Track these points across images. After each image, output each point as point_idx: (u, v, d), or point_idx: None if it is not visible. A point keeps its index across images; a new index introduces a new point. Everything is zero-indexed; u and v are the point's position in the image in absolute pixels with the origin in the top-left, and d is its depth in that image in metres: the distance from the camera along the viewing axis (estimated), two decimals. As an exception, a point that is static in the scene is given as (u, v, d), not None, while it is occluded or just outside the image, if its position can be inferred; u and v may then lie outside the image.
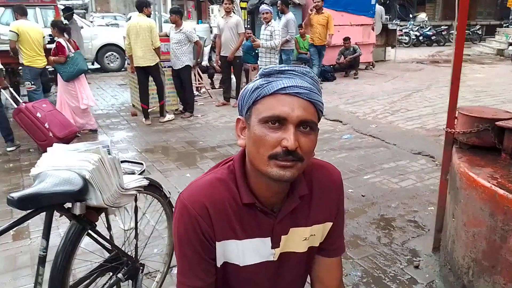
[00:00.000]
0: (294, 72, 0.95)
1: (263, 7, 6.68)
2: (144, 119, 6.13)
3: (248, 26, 10.75)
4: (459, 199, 2.10)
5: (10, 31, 5.63)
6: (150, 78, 6.10)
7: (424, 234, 2.92)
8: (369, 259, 2.63)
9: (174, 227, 1.04)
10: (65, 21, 7.64)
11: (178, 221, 1.02)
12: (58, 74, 5.53)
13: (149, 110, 6.57)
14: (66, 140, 4.66)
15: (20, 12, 5.87)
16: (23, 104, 4.68)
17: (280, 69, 0.95)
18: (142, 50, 5.76)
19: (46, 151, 1.73)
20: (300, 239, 1.10)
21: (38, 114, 4.57)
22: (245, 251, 1.05)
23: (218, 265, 1.06)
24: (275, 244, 1.07)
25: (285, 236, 1.07)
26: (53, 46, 5.54)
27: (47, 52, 5.82)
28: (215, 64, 8.18)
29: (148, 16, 5.99)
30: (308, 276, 1.22)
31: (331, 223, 1.14)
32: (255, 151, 0.94)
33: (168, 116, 6.21)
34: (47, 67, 6.16)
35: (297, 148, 0.91)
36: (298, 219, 1.08)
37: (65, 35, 5.58)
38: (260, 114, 0.93)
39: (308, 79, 0.96)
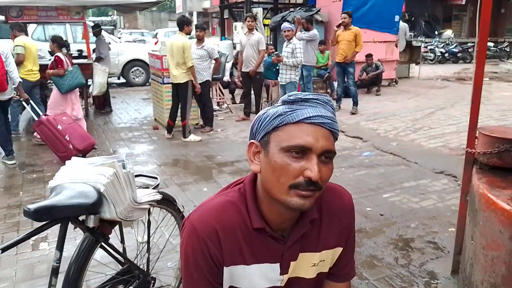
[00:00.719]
0: (317, 101, 0.94)
1: (285, 25, 6.73)
2: (166, 132, 6.22)
3: (271, 42, 10.86)
4: (478, 221, 2.04)
5: (17, 45, 5.92)
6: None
7: (444, 256, 2.84)
8: (385, 280, 2.57)
9: (181, 247, 1.03)
10: (94, 37, 7.90)
11: (186, 242, 1.00)
12: (55, 87, 5.76)
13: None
14: (85, 152, 4.80)
15: (19, 29, 6.21)
16: (44, 116, 4.87)
17: (305, 97, 0.94)
18: (175, 68, 5.89)
19: (64, 164, 1.78)
20: (309, 264, 1.07)
21: (59, 127, 4.73)
22: (253, 276, 1.03)
23: None
24: (284, 270, 1.05)
25: (294, 262, 1.05)
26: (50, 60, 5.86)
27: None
28: (236, 80, 8.28)
29: (188, 34, 6.11)
30: None
31: (342, 248, 1.11)
32: (275, 179, 0.92)
33: (191, 137, 6.09)
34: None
35: (319, 179, 0.91)
36: (307, 244, 1.06)
37: (63, 50, 5.84)
38: (283, 143, 0.91)
39: (330, 108, 0.95)
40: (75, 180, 1.66)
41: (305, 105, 0.92)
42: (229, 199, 1.03)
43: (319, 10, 9.70)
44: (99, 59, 7.76)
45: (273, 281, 1.05)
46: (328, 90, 9.29)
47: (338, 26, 7.59)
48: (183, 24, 5.93)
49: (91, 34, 7.92)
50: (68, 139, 4.69)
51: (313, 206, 0.99)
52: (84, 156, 4.50)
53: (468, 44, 17.17)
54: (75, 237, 2.91)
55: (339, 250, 1.11)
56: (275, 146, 0.92)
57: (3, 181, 4.40)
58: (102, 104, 8.26)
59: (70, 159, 1.79)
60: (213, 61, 6.55)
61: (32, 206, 1.46)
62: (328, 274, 1.13)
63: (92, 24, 8.72)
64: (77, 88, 5.90)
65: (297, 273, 1.07)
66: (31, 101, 5.18)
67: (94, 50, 7.93)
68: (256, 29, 7.41)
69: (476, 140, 2.33)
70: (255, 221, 0.99)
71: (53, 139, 4.72)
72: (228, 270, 1.02)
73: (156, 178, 2.02)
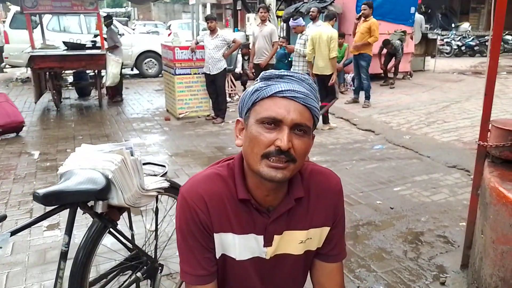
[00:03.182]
0: (292, 78, 1.00)
1: (291, 23, 6.67)
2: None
3: (284, 35, 10.79)
4: (489, 215, 2.01)
5: None
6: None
7: (453, 250, 2.81)
8: (393, 273, 2.55)
9: (176, 219, 1.09)
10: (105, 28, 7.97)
11: (179, 213, 1.08)
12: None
13: (181, 115, 6.72)
14: (8, 128, 5.64)
15: None
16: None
17: (280, 73, 1.00)
18: (321, 59, 5.98)
19: None
20: (296, 241, 1.13)
21: None
22: (240, 245, 1.09)
23: (217, 256, 1.10)
24: (267, 243, 1.10)
25: (278, 236, 1.10)
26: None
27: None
28: (248, 71, 8.26)
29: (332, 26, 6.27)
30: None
31: (329, 228, 1.16)
32: (250, 150, 0.99)
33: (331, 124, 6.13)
34: (87, 71, 6.44)
35: (290, 149, 0.95)
36: (295, 222, 1.11)
37: None
38: (258, 115, 0.98)
39: (306, 85, 1.00)
40: (84, 167, 1.68)
41: (280, 81, 0.99)
42: (217, 171, 1.10)
43: (333, 1, 9.57)
44: (114, 48, 7.82)
45: (258, 253, 1.11)
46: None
47: (358, 18, 7.47)
48: (333, 16, 6.37)
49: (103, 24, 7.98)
50: None
51: (295, 181, 1.07)
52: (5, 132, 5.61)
53: (486, 38, 16.80)
54: (86, 224, 2.96)
55: (326, 229, 1.16)
56: (252, 119, 1.00)
57: (18, 169, 4.48)
58: (114, 94, 8.33)
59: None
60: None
61: (41, 191, 1.48)
62: (318, 255, 1.19)
63: (105, 14, 8.78)
64: None
65: (284, 250, 1.13)
66: None
67: (105, 39, 7.99)
68: (269, 20, 7.37)
69: (489, 133, 2.29)
70: (240, 192, 1.05)
71: None
72: (218, 236, 1.08)
73: (164, 166, 2.04)
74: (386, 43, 9.02)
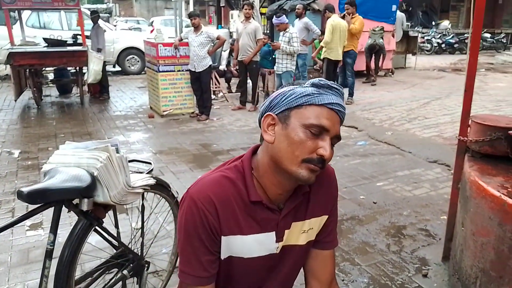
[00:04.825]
0: (338, 91, 1.05)
1: (274, 20, 6.70)
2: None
3: (268, 32, 10.80)
4: (469, 208, 2.06)
5: None
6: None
7: (435, 243, 2.87)
8: (377, 266, 2.60)
9: (180, 219, 1.08)
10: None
11: (186, 214, 1.06)
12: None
13: (165, 112, 6.68)
14: None
15: None
16: None
17: (332, 85, 1.04)
18: (340, 47, 6.56)
19: None
20: (299, 232, 1.17)
21: None
22: (250, 245, 1.10)
23: (223, 258, 1.11)
24: (279, 238, 1.13)
25: (288, 230, 1.14)
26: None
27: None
28: (232, 69, 8.25)
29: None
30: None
31: (327, 216, 1.21)
32: (290, 151, 1.01)
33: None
34: (68, 68, 6.32)
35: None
36: (298, 213, 1.15)
37: None
38: (306, 120, 1.00)
39: (342, 99, 1.06)
40: (68, 164, 1.66)
41: (330, 92, 1.03)
42: (225, 174, 1.10)
43: (316, -1, 9.62)
44: (98, 50, 7.71)
45: (270, 249, 1.14)
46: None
47: (343, 17, 7.54)
48: (333, 8, 7.08)
49: (88, 21, 7.84)
50: None
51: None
52: None
53: (465, 35, 17.14)
54: (70, 223, 2.93)
55: (325, 217, 1.21)
56: (297, 122, 1.01)
57: (-3, 168, 4.39)
58: (99, 91, 8.22)
59: None
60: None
61: (26, 189, 1.46)
62: (314, 242, 1.23)
63: (89, 11, 8.65)
64: None
65: (289, 241, 1.16)
66: None
67: (87, 37, 7.86)
68: (253, 18, 7.37)
69: (469, 128, 2.35)
70: (252, 195, 1.07)
71: None
72: (226, 239, 1.08)
73: (150, 163, 2.03)
74: (371, 48, 9.17)
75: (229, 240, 1.08)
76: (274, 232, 1.12)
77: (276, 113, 1.04)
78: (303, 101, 1.00)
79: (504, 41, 17.42)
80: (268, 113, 1.06)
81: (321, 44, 6.72)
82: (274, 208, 1.10)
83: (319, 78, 1.06)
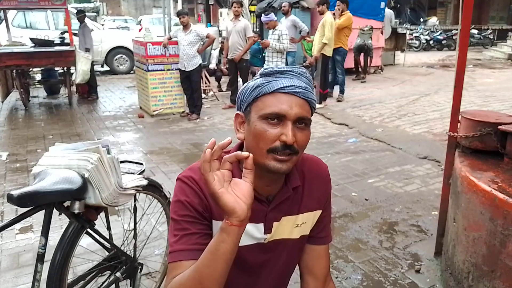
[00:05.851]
0: (292, 73, 1.02)
1: (263, 18, 6.69)
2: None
3: (257, 29, 10.79)
4: (460, 203, 2.08)
5: None
6: None
7: (427, 239, 2.90)
8: (369, 263, 2.62)
9: (173, 203, 1.08)
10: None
11: (179, 196, 1.07)
12: None
13: (155, 112, 6.64)
14: None
15: None
16: None
17: (280, 69, 1.02)
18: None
19: None
20: (292, 226, 1.17)
21: None
22: None
23: None
24: (267, 230, 1.14)
25: (277, 222, 1.14)
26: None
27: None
28: (222, 67, 8.22)
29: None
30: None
31: (321, 211, 1.22)
32: (255, 145, 1.01)
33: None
34: (56, 68, 6.24)
35: (294, 143, 0.99)
36: (290, 208, 1.16)
37: None
38: (261, 111, 1.00)
39: (304, 79, 1.04)
40: (59, 166, 1.64)
41: (280, 77, 1.01)
42: None
43: (304, -4, 9.63)
44: (86, 50, 7.63)
45: (257, 239, 1.14)
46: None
47: (333, 14, 7.53)
48: (325, 1, 7.07)
49: (75, 20, 7.75)
50: None
51: (292, 172, 1.11)
52: None
53: (453, 32, 17.36)
54: (61, 226, 2.89)
55: (318, 213, 1.22)
56: (254, 115, 1.02)
57: (-15, 170, 4.32)
58: (87, 91, 8.13)
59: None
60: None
61: (16, 192, 1.44)
62: (308, 238, 1.24)
63: (76, 10, 8.55)
64: None
65: (282, 235, 1.17)
66: None
67: (75, 34, 7.77)
68: (242, 16, 7.35)
69: (459, 124, 2.37)
70: None
71: None
72: (217, 224, 1.08)
73: (141, 164, 2.01)
74: (360, 48, 9.20)
75: (218, 226, 1.05)
76: (262, 224, 1.12)
77: (242, 110, 1.07)
78: (256, 94, 1.02)
79: (491, 37, 17.64)
80: (237, 112, 1.10)
81: (323, 41, 6.73)
82: (262, 199, 1.10)
83: (267, 67, 1.06)
